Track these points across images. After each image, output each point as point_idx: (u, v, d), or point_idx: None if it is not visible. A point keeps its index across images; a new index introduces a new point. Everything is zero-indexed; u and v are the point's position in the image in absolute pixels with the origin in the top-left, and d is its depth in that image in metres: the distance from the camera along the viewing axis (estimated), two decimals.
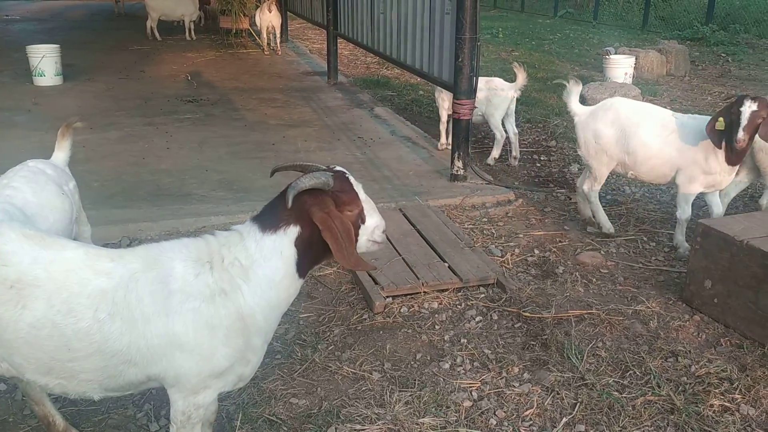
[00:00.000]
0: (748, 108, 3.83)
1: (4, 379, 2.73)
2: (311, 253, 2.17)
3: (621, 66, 9.75)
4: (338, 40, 10.15)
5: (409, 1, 6.61)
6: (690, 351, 3.34)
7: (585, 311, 3.71)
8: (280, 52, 12.99)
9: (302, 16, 13.01)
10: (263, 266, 2.11)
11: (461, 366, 3.24)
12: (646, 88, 9.57)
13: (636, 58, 10.21)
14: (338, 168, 2.21)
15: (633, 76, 9.95)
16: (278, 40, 13.12)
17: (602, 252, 4.49)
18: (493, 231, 4.86)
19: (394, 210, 5.01)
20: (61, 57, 9.50)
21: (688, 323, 3.61)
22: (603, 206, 4.87)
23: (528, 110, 8.33)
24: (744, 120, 3.84)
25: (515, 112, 6.43)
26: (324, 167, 2.20)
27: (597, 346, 3.38)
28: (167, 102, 8.64)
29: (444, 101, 6.49)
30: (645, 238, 4.74)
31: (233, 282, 2.09)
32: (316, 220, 2.08)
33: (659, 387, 3.04)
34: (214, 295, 2.06)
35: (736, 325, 3.48)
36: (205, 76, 10.53)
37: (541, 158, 6.67)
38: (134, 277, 2.04)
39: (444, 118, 6.65)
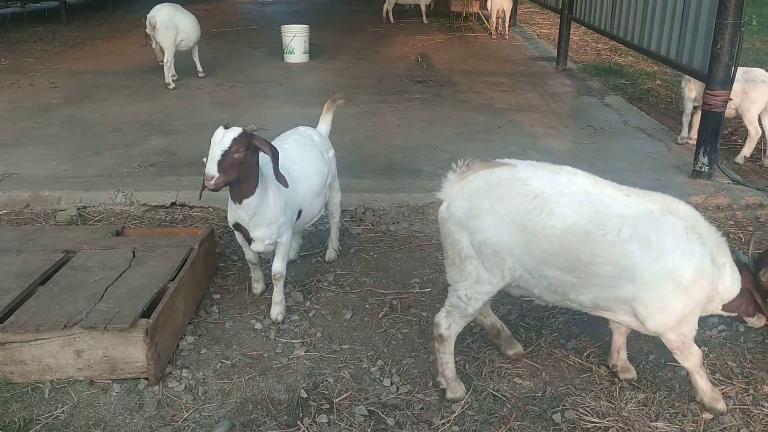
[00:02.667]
0: None
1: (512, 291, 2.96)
2: None
3: None
4: (571, 25, 9.81)
5: None
6: None
7: None
8: (507, 37, 12.89)
9: (535, 0, 12.75)
10: None
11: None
12: None
13: None
14: None
15: None
16: (507, 25, 13.03)
17: None
18: (741, 236, 4.42)
19: None
20: (308, 36, 10.37)
21: None
22: None
23: None
24: None
25: None
26: None
27: None
28: (399, 81, 9.03)
29: (691, 91, 5.99)
30: None
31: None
32: None
33: None
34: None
35: None
36: (434, 58, 10.81)
37: None
38: (653, 215, 2.47)
39: (689, 109, 6.14)
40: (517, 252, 2.57)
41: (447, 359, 2.88)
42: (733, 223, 4.63)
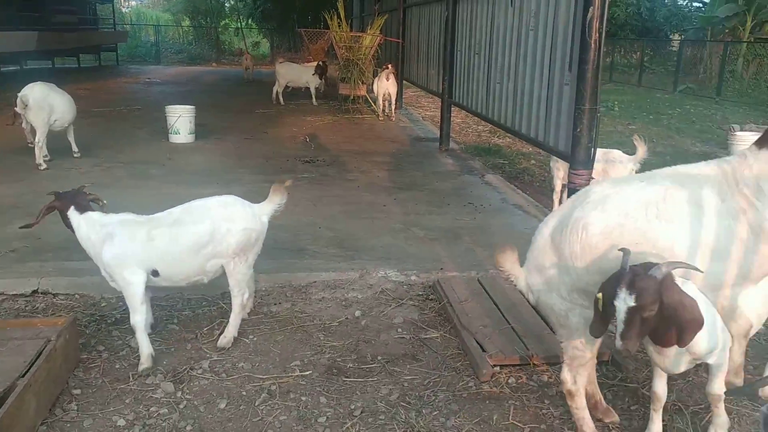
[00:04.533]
0: None
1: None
2: None
3: (747, 143, 9.21)
4: (452, 108, 10.35)
5: (527, 72, 6.67)
6: None
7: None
8: (394, 118, 13.40)
9: (418, 84, 13.41)
10: None
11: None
12: None
13: None
14: None
15: None
16: (393, 107, 13.56)
17: None
18: None
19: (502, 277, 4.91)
20: (195, 117, 10.29)
21: None
22: None
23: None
24: None
25: None
26: None
27: None
28: (286, 161, 9.08)
29: (559, 170, 6.41)
30: None
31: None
32: None
33: None
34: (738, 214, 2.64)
35: None
36: (323, 138, 11.01)
37: None
38: (669, 192, 2.69)
39: (558, 187, 6.55)
40: None
41: (581, 414, 3.00)
42: None
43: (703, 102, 17.92)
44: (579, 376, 2.99)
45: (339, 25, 14.50)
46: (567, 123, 5.64)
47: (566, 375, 3.01)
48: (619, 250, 2.54)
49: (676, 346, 2.52)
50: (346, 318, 4.41)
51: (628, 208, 2.70)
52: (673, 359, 2.66)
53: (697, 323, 2.43)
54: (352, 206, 6.96)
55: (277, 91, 15.13)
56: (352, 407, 3.37)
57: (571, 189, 5.48)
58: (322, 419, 3.27)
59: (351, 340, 4.11)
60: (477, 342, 3.92)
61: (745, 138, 9.29)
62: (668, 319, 2.40)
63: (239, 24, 34.30)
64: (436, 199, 7.38)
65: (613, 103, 16.31)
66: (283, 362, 3.83)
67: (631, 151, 6.08)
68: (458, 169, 9.01)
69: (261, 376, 3.66)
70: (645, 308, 2.35)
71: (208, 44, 34.69)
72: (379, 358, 3.89)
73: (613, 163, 5.99)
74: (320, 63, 15.24)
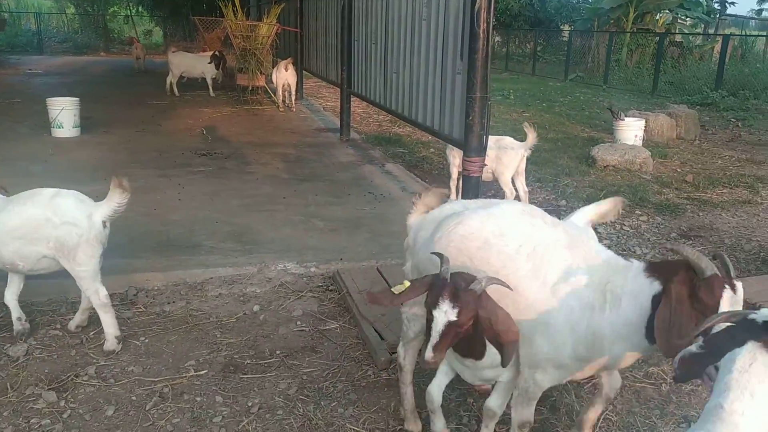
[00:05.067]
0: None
1: None
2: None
3: (631, 129, 9.83)
4: (351, 98, 10.34)
5: (422, 62, 6.75)
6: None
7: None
8: (294, 109, 13.23)
9: (317, 74, 13.30)
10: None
11: (467, 426, 3.15)
12: (656, 151, 9.61)
13: (646, 122, 10.30)
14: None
15: (643, 139, 10.01)
16: (293, 98, 13.39)
17: None
18: None
19: (402, 266, 4.95)
20: (79, 110, 9.72)
21: (700, 387, 3.50)
22: None
23: (538, 170, 8.37)
24: None
25: (525, 171, 6.47)
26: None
27: (607, 410, 3.27)
28: (181, 155, 8.76)
29: (455, 158, 6.54)
30: None
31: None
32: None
33: None
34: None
35: None
36: (220, 130, 10.71)
37: None
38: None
39: (454, 175, 6.69)
40: None
41: (405, 390, 3.12)
42: None
43: (591, 90, 18.84)
44: (408, 354, 3.06)
45: (235, 14, 14.10)
46: (460, 111, 5.75)
47: (399, 350, 3.10)
48: (433, 254, 2.45)
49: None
50: (244, 313, 4.31)
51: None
52: (469, 371, 2.68)
53: (514, 335, 2.28)
54: (251, 199, 6.81)
55: (170, 82, 14.56)
56: (249, 404, 3.31)
57: (466, 176, 5.61)
58: (218, 419, 3.18)
59: (249, 336, 4.02)
60: (376, 330, 3.94)
61: (629, 124, 9.87)
62: (483, 332, 2.32)
63: (129, 11, 32.67)
64: (337, 190, 7.36)
65: (509, 92, 16.84)
66: (176, 363, 3.69)
67: (523, 137, 6.28)
68: (359, 159, 9.02)
69: (152, 379, 3.51)
70: (464, 324, 2.28)
71: (95, 33, 32.81)
72: (278, 352, 3.83)
73: (505, 150, 6.18)
74: (216, 53, 14.78)
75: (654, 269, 2.29)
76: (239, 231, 5.78)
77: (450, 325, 2.26)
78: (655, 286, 2.23)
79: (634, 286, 2.29)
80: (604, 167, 8.60)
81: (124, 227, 5.63)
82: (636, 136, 9.81)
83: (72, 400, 3.30)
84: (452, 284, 2.27)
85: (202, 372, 3.61)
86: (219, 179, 7.58)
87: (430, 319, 2.31)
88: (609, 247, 5.76)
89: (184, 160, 8.44)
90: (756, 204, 7.42)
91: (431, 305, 2.29)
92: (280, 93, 13.21)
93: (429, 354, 2.27)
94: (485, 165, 5.66)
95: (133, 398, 3.34)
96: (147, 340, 3.93)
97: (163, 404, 3.30)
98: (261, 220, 6.09)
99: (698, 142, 10.95)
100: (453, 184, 6.75)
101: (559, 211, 6.83)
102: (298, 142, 10.05)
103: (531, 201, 6.79)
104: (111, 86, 16.22)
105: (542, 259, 2.43)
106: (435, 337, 2.28)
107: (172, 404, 3.30)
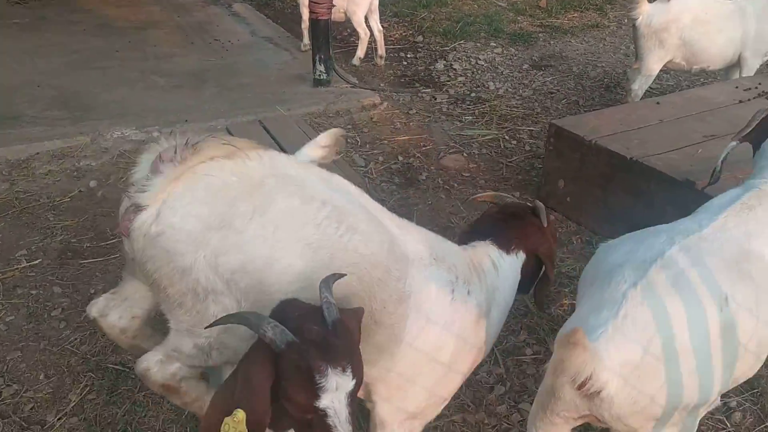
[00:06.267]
0: None
1: None
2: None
3: None
4: None
5: None
6: None
7: (444, 221, 3.72)
8: None
9: None
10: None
11: None
12: None
13: None
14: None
15: None
16: None
17: (465, 154, 4.49)
18: (358, 139, 4.71)
19: (253, 123, 4.69)
20: None
21: None
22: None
23: (395, 4, 8.00)
24: None
25: (380, 6, 6.15)
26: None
27: None
28: None
29: None
30: (507, 137, 4.77)
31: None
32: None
33: None
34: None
35: (587, 222, 3.61)
36: None
37: (408, 55, 6.49)
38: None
39: (306, 16, 6.23)
40: None
41: None
42: (351, 126, 4.90)
43: None
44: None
45: None
46: None
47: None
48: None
49: None
50: (80, 191, 3.96)
51: None
52: None
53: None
54: (78, 55, 6.06)
55: None
56: (92, 291, 3.11)
57: (314, 20, 5.23)
58: (57, 312, 2.99)
59: (87, 216, 3.72)
60: None
61: None
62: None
63: None
64: (179, 38, 6.71)
65: None
66: (5, 254, 3.37)
67: None
68: (202, 0, 8.19)
69: None
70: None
71: None
72: None
73: None
74: None
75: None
76: (66, 96, 5.17)
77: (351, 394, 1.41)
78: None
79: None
80: None
81: None
82: None
83: None
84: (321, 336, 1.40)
85: (36, 261, 3.32)
86: (38, 32, 6.65)
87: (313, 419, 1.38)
88: (464, 84, 5.80)
89: None
90: (603, 27, 7.61)
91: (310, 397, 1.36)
92: None
93: None
94: (334, 6, 5.31)
95: None
96: None
97: None
98: (91, 81, 5.46)
99: None
100: (305, 26, 6.33)
101: (416, 47, 6.66)
102: None
103: (387, 39, 6.55)
104: None
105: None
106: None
107: (4, 301, 3.05)
